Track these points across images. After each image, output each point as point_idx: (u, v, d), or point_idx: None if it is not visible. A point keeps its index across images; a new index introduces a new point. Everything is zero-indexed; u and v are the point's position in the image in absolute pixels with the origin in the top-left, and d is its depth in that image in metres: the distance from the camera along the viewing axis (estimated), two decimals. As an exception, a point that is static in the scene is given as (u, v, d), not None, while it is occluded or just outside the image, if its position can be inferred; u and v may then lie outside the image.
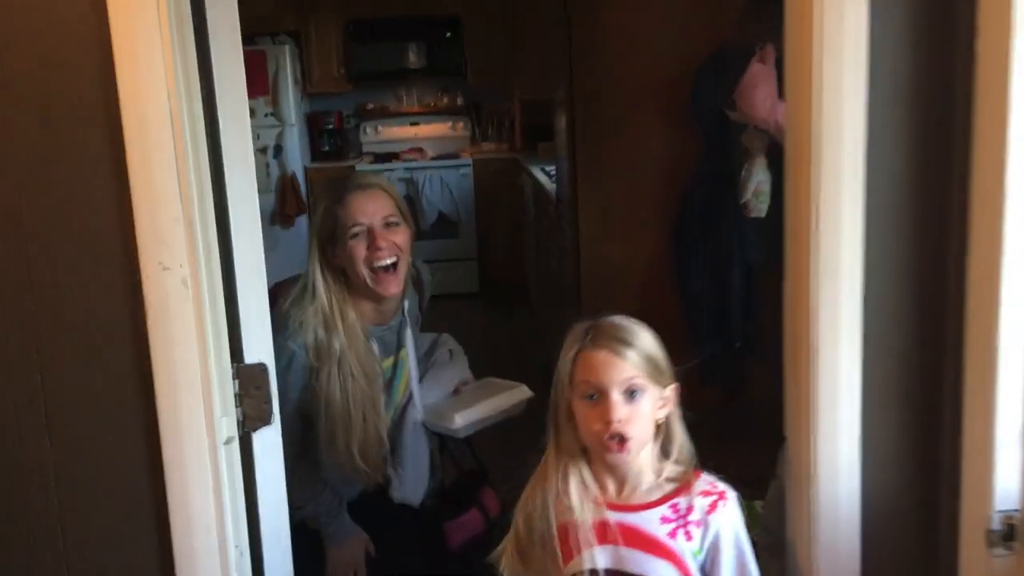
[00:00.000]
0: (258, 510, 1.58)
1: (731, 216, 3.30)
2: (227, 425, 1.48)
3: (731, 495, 1.50)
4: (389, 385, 2.21)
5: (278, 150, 6.23)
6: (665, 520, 1.46)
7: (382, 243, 2.05)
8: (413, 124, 6.98)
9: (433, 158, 6.68)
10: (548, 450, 1.55)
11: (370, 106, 7.15)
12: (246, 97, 1.49)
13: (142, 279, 1.38)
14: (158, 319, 1.39)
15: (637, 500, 1.49)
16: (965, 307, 1.40)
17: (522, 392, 2.35)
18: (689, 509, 1.46)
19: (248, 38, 1.51)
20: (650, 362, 1.46)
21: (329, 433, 2.05)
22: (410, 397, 2.23)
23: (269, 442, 1.58)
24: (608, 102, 3.54)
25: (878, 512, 1.52)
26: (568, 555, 1.50)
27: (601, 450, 1.47)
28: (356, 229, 2.05)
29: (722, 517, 1.47)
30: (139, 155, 1.36)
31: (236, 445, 1.51)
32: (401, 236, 2.10)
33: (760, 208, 3.05)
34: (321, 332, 2.02)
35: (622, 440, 1.43)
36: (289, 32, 6.37)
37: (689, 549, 1.45)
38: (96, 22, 1.33)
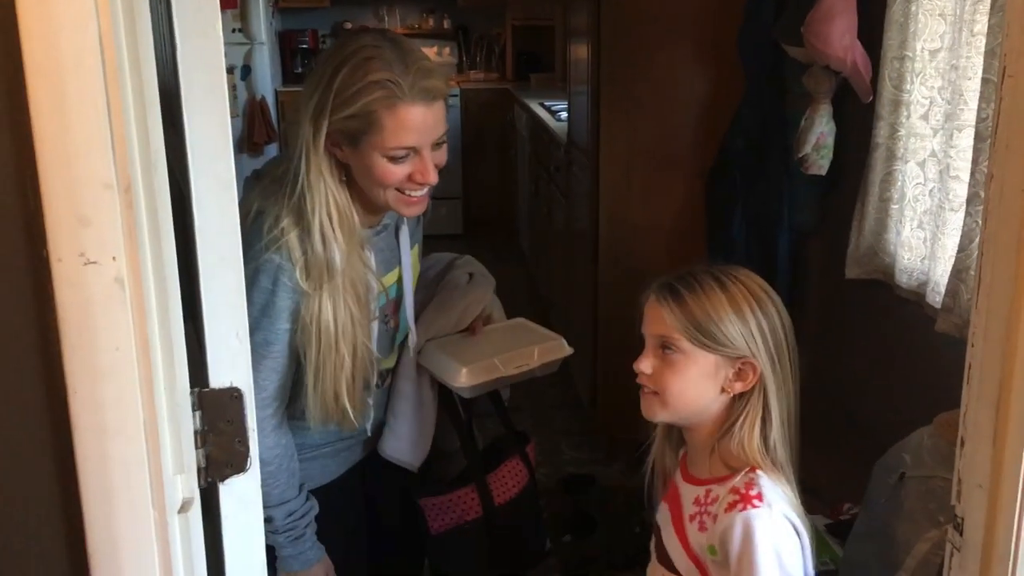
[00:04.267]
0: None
1: (779, 170, 2.86)
2: (183, 484, 1.02)
3: (763, 509, 1.27)
4: (396, 310, 1.69)
5: (246, 71, 5.66)
6: (696, 502, 1.36)
7: (429, 168, 1.51)
8: (395, 48, 6.46)
9: (417, 86, 6.17)
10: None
11: (348, 25, 6.59)
12: (218, 8, 1.00)
13: (52, 277, 0.90)
14: (78, 334, 0.91)
15: (694, 472, 1.42)
16: None
17: (560, 348, 1.83)
18: (714, 500, 1.33)
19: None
20: (689, 318, 1.33)
21: (316, 372, 1.52)
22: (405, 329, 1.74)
23: (243, 495, 1.12)
24: (639, 32, 3.05)
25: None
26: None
27: None
28: (402, 152, 1.48)
29: (735, 520, 1.27)
30: (47, 87, 0.86)
31: (196, 508, 1.06)
32: (444, 154, 1.56)
33: (821, 165, 2.61)
34: (317, 243, 1.47)
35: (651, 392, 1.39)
36: (260, -61, 5.78)
37: (699, 542, 1.33)
38: None
